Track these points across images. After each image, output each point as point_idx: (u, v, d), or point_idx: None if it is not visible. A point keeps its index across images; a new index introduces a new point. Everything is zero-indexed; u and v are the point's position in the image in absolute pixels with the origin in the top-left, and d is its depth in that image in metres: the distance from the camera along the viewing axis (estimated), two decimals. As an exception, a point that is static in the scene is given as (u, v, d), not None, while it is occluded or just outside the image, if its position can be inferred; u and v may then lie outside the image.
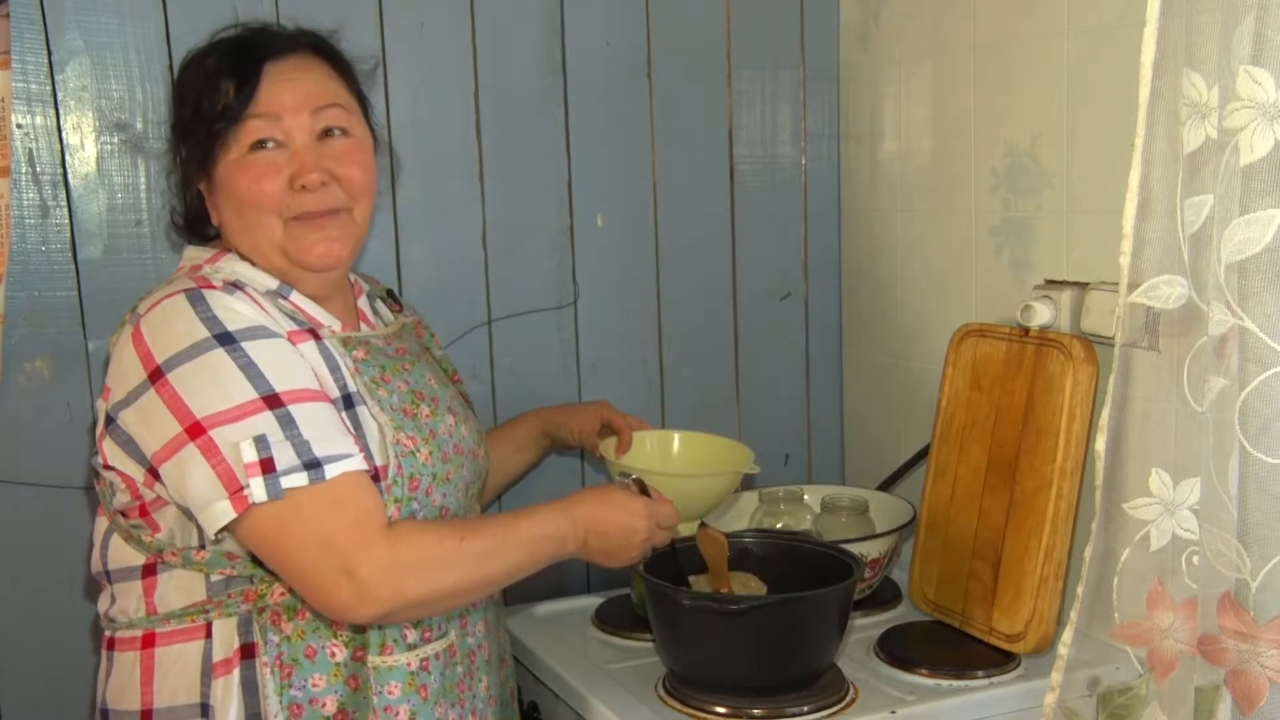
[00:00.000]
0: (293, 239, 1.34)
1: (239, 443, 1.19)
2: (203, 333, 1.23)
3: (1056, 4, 1.70)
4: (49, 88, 1.68)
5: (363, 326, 1.48)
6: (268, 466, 1.19)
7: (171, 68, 1.73)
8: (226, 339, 1.23)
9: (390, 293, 1.62)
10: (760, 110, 2.15)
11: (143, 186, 1.75)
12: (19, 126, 1.67)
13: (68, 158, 1.70)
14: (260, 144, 1.32)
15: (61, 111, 1.69)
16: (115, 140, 1.73)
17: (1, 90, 1.60)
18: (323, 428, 1.24)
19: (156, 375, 1.23)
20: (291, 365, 1.27)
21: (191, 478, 1.21)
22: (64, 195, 1.71)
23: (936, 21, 1.94)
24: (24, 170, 1.68)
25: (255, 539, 1.23)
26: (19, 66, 1.65)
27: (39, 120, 1.68)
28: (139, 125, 1.74)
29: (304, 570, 1.22)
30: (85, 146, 1.71)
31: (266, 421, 1.21)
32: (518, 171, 1.98)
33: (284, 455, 1.20)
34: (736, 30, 2.11)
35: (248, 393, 1.22)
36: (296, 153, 1.33)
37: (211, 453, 1.20)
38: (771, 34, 2.14)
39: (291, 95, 1.32)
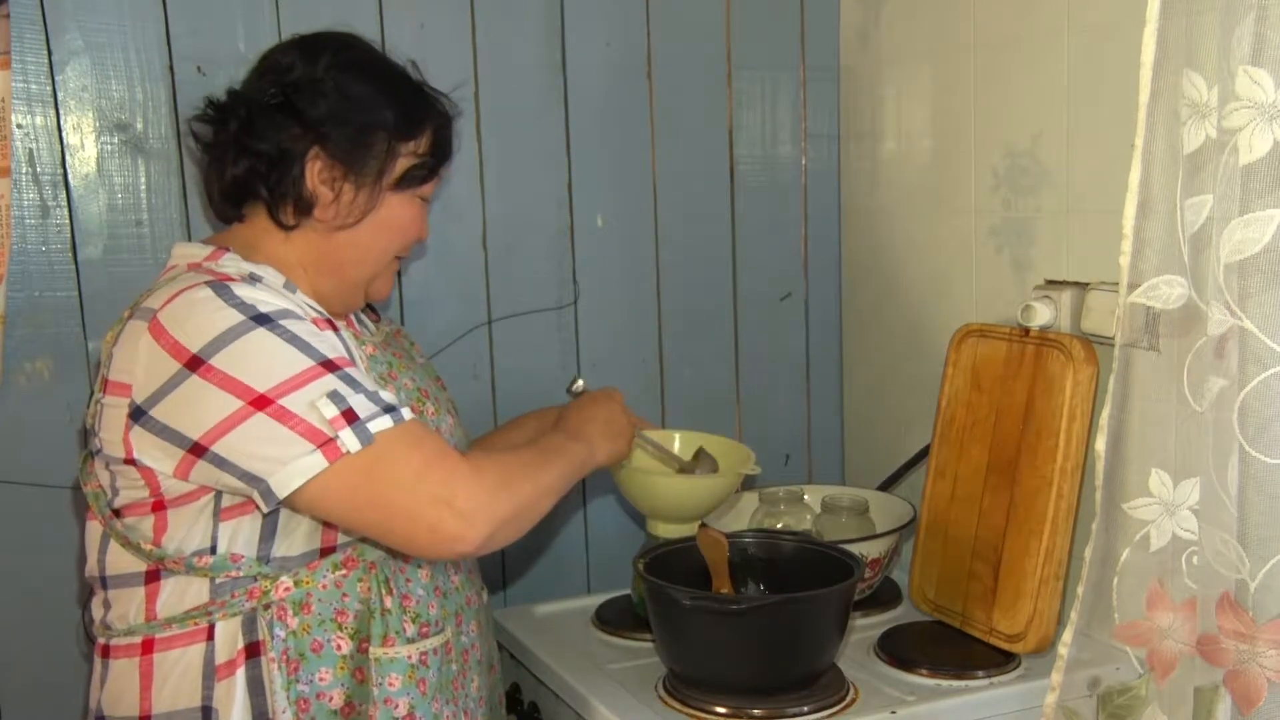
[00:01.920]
0: (385, 274, 1.47)
1: (314, 401, 1.20)
2: (238, 316, 1.23)
3: (1056, 4, 1.70)
4: (49, 88, 1.68)
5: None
6: (351, 417, 1.21)
7: (172, 68, 1.74)
8: (264, 319, 1.24)
9: (369, 304, 1.63)
10: (760, 110, 2.15)
11: (143, 186, 1.75)
12: (19, 126, 1.67)
13: (68, 158, 1.71)
14: (425, 199, 1.47)
15: (61, 111, 1.69)
16: (115, 140, 1.73)
17: (1, 90, 1.60)
18: (376, 384, 1.28)
19: (195, 363, 1.21)
20: (328, 341, 1.28)
21: (264, 441, 1.20)
22: (64, 195, 1.71)
23: (936, 21, 1.94)
24: (24, 170, 1.68)
25: (342, 492, 1.22)
26: (19, 66, 1.65)
27: (39, 120, 1.68)
28: (139, 125, 1.74)
29: (403, 510, 1.22)
30: (85, 146, 1.71)
31: (332, 381, 1.23)
32: (518, 171, 1.98)
33: (361, 404, 1.22)
34: (736, 30, 2.11)
35: (303, 361, 1.23)
36: (425, 215, 1.49)
37: (286, 417, 1.20)
38: (771, 34, 2.14)
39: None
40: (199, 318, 1.23)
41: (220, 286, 1.25)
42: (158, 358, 1.23)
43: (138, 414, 1.24)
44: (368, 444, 1.21)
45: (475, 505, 1.23)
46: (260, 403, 1.20)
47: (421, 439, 1.25)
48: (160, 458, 1.25)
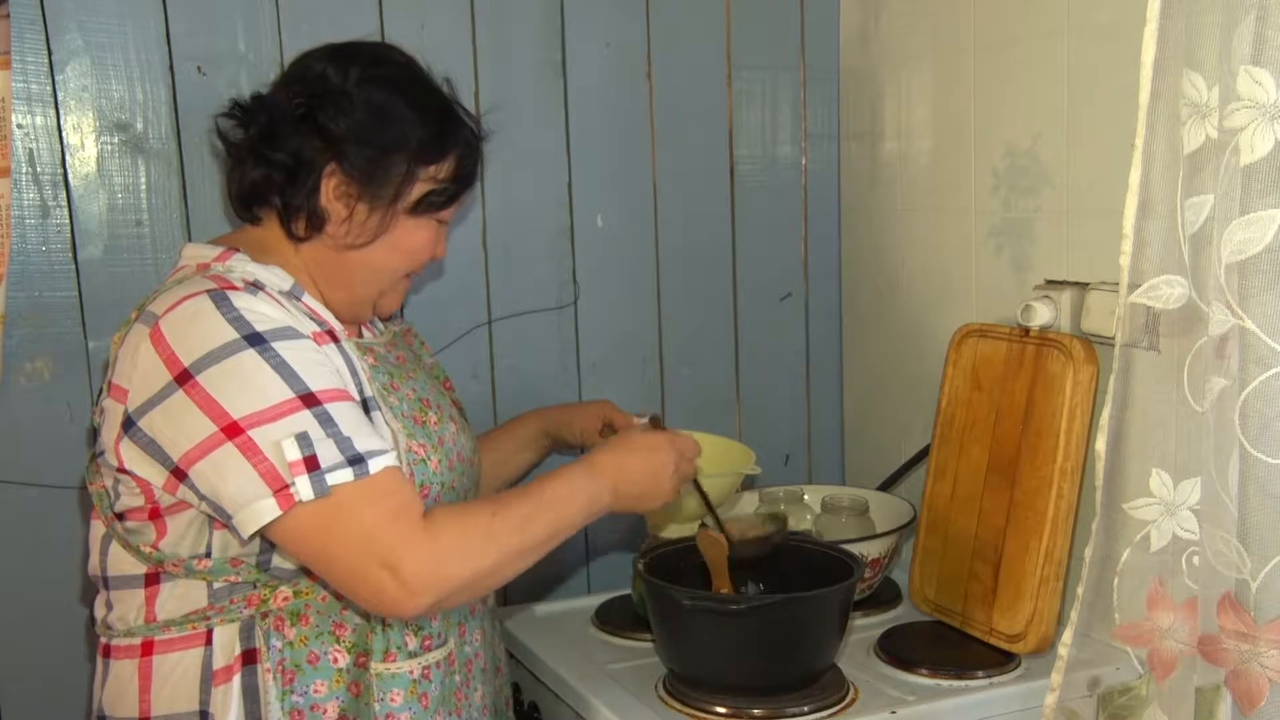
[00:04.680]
0: (393, 291, 1.45)
1: (280, 441, 1.18)
2: (231, 334, 1.21)
3: (1056, 4, 1.70)
4: (49, 88, 1.68)
5: (363, 334, 1.48)
6: (312, 464, 1.18)
7: (172, 68, 1.74)
8: (256, 340, 1.22)
9: None
10: (760, 110, 2.15)
11: (143, 186, 1.75)
12: (19, 126, 1.67)
13: (68, 158, 1.70)
14: (443, 222, 1.45)
15: (61, 111, 1.69)
16: (115, 140, 1.73)
17: (1, 90, 1.60)
18: (358, 424, 1.24)
19: (184, 377, 1.20)
20: (320, 365, 1.26)
21: (229, 477, 1.19)
22: (64, 195, 1.71)
23: (936, 22, 1.94)
24: (24, 170, 1.68)
25: (296, 537, 1.21)
26: (19, 66, 1.65)
27: (39, 120, 1.68)
28: (139, 125, 1.74)
29: (348, 568, 1.20)
30: (85, 146, 1.71)
31: (305, 420, 1.20)
32: (518, 171, 1.98)
33: (327, 452, 1.19)
34: (736, 30, 2.11)
35: (284, 392, 1.20)
36: (443, 236, 1.47)
37: (252, 452, 1.18)
38: (771, 34, 2.14)
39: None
40: (196, 330, 1.22)
41: (220, 297, 1.24)
42: (153, 366, 1.22)
43: (128, 424, 1.24)
44: (322, 496, 1.18)
45: (421, 573, 1.19)
46: (231, 430, 1.18)
47: (381, 496, 1.21)
48: (149, 471, 1.25)
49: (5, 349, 1.67)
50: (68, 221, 1.71)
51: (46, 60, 1.67)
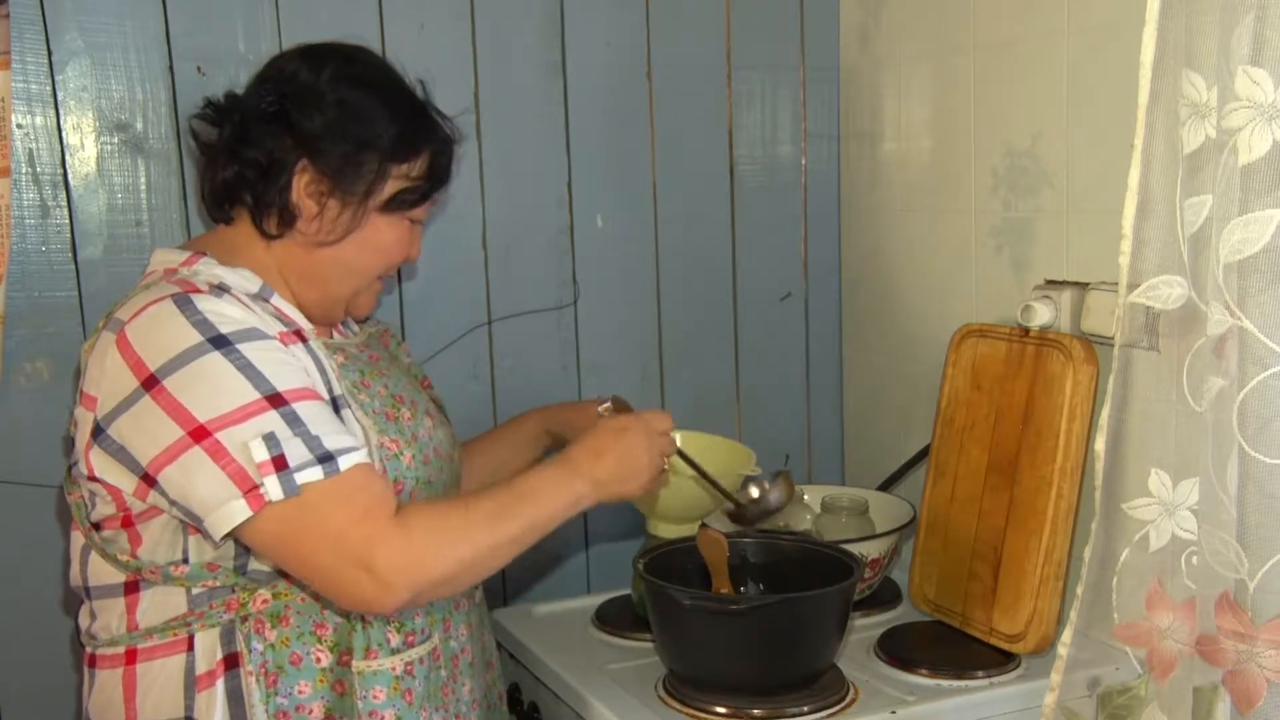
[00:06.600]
0: (367, 291, 1.45)
1: (248, 442, 1.18)
2: (196, 337, 1.21)
3: (1056, 4, 1.70)
4: (49, 88, 1.68)
5: (334, 335, 1.48)
6: (280, 464, 1.18)
7: (172, 68, 1.74)
8: (221, 342, 1.22)
9: None
10: (760, 110, 2.15)
11: (143, 186, 1.75)
12: (19, 126, 1.67)
13: (68, 158, 1.71)
14: (416, 221, 1.44)
15: (61, 111, 1.69)
16: (115, 140, 1.73)
17: (1, 90, 1.60)
18: (326, 423, 1.24)
19: (151, 383, 1.20)
20: (286, 365, 1.25)
21: (198, 480, 1.19)
22: (64, 195, 1.71)
23: (936, 22, 1.94)
24: (24, 170, 1.68)
25: (268, 539, 1.21)
26: (19, 66, 1.65)
27: (39, 120, 1.68)
28: (139, 125, 1.74)
29: (322, 568, 1.20)
30: (85, 146, 1.71)
31: (273, 420, 1.20)
32: (518, 171, 1.98)
33: (295, 451, 1.19)
34: (736, 30, 2.11)
35: (250, 394, 1.20)
36: (417, 236, 1.46)
37: (220, 454, 1.18)
38: (772, 34, 2.14)
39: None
40: (160, 334, 1.22)
41: (184, 300, 1.24)
42: (120, 373, 1.22)
43: (97, 432, 1.24)
44: (292, 495, 1.18)
45: (394, 570, 1.19)
46: (199, 434, 1.18)
47: (352, 493, 1.21)
48: (119, 477, 1.25)
49: (5, 349, 1.67)
50: (68, 221, 1.71)
51: (46, 60, 1.67)
